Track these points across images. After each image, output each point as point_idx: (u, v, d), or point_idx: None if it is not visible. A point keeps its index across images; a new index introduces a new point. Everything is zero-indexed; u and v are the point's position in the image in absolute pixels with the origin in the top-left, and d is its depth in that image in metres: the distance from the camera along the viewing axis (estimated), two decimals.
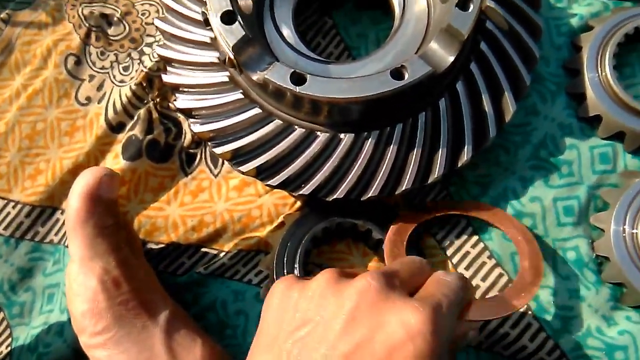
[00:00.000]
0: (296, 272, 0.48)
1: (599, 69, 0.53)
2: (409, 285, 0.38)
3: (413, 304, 0.34)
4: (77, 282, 0.43)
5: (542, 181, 0.52)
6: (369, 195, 0.47)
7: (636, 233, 0.49)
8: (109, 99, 0.59)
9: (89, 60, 0.61)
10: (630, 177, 0.51)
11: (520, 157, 0.53)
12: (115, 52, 0.61)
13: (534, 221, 0.51)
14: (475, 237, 0.51)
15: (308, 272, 0.50)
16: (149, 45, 0.60)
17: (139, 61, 0.60)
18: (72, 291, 0.44)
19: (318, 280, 0.37)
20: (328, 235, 0.51)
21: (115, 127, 0.57)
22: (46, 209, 0.56)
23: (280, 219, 0.52)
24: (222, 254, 0.53)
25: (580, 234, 0.50)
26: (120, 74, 0.60)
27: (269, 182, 0.48)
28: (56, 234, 0.56)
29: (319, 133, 0.47)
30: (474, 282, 0.50)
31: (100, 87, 0.60)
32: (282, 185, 0.48)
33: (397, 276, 0.37)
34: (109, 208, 0.45)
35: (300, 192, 0.48)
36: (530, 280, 0.46)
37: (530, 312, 0.48)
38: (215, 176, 0.55)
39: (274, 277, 0.48)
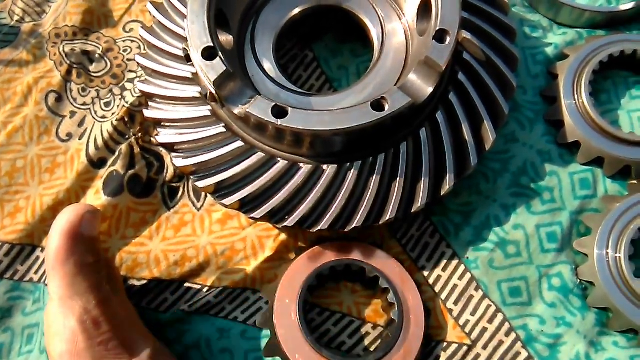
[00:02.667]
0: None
1: (576, 95, 0.55)
2: None
3: None
4: (56, 322, 0.42)
5: (525, 208, 0.52)
6: (353, 225, 0.47)
7: (619, 257, 0.49)
8: (90, 134, 0.58)
9: (70, 97, 0.61)
10: (611, 202, 0.51)
11: (500, 184, 0.53)
12: (97, 88, 0.61)
13: (518, 249, 0.51)
14: (462, 268, 0.51)
15: (310, 320, 0.50)
16: (131, 80, 0.60)
17: (120, 97, 0.60)
18: (50, 331, 0.42)
19: None
20: (323, 281, 0.50)
21: (97, 163, 0.57)
22: (26, 247, 0.55)
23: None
24: (206, 290, 0.52)
25: (564, 260, 0.51)
26: (102, 109, 0.60)
27: (252, 215, 0.48)
28: (36, 272, 0.54)
29: (301, 165, 0.47)
30: (463, 318, 0.49)
31: (81, 123, 0.60)
32: (265, 218, 0.48)
33: None
34: (90, 246, 0.44)
35: (285, 224, 0.47)
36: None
37: (519, 342, 0.48)
38: (198, 210, 0.55)
39: (275, 332, 0.48)
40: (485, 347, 0.48)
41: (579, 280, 0.50)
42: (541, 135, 0.55)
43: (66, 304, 0.42)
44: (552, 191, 0.53)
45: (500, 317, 0.49)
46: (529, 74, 0.57)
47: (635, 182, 0.53)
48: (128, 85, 0.60)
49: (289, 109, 0.44)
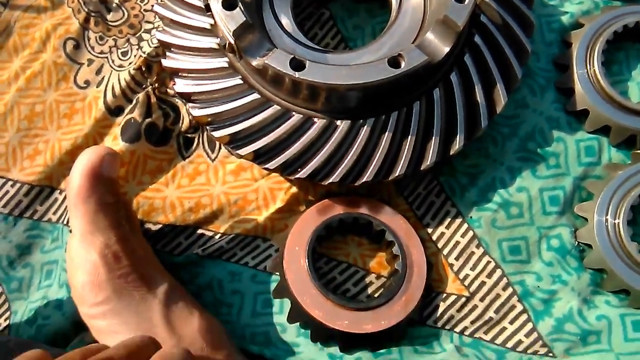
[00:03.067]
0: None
1: (588, 65, 0.55)
2: None
3: None
4: (78, 255, 0.44)
5: (530, 172, 0.54)
6: (364, 180, 0.49)
7: (618, 223, 0.51)
8: (107, 83, 0.59)
9: (87, 45, 0.61)
10: (614, 170, 0.53)
11: (508, 148, 0.54)
12: (114, 37, 0.62)
13: (520, 210, 0.53)
14: (465, 226, 0.53)
15: (317, 268, 0.52)
16: (148, 31, 0.61)
17: (137, 47, 0.61)
18: (73, 264, 0.45)
19: None
20: (331, 232, 0.52)
21: (114, 111, 0.58)
22: (44, 188, 0.57)
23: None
24: (218, 236, 0.54)
25: (564, 223, 0.52)
26: (119, 58, 0.61)
27: (266, 166, 0.49)
28: (54, 213, 0.57)
29: (316, 119, 0.48)
30: (463, 272, 0.51)
31: (99, 71, 0.60)
32: (279, 169, 0.49)
33: None
34: (110, 186, 0.46)
35: (297, 176, 0.49)
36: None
37: (515, 296, 0.50)
38: (213, 160, 0.56)
39: (284, 275, 0.50)
40: (482, 300, 0.51)
41: (577, 243, 0.52)
42: (551, 102, 0.56)
43: (87, 239, 0.44)
44: (557, 157, 0.54)
45: (498, 272, 0.51)
46: (543, 41, 0.58)
47: (639, 151, 0.54)
48: (145, 36, 0.61)
49: (307, 62, 0.45)
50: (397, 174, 0.49)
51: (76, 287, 0.44)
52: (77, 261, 0.44)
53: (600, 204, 0.52)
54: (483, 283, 0.51)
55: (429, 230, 0.53)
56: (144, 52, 0.59)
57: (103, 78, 0.60)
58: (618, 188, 0.52)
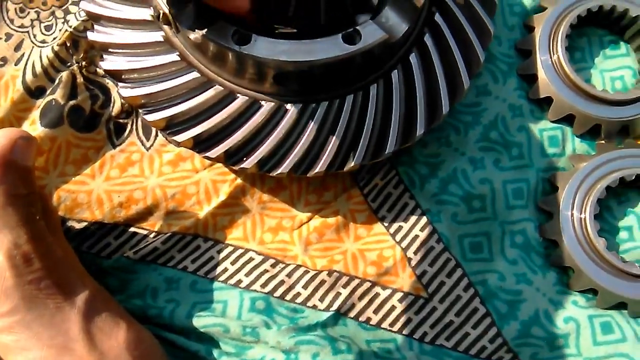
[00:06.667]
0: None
1: (552, 50, 0.53)
2: None
3: None
4: None
5: (492, 163, 0.51)
6: (316, 171, 0.44)
7: (584, 218, 0.48)
8: (27, 60, 0.53)
9: (5, 17, 0.54)
10: (578, 161, 0.50)
11: (470, 137, 0.51)
12: (37, 9, 0.55)
13: (483, 203, 0.49)
14: (424, 219, 0.49)
15: None
16: (76, 3, 0.54)
17: (63, 20, 0.54)
18: None
19: None
20: None
21: (34, 92, 0.51)
22: None
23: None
24: (153, 236, 0.48)
25: (528, 217, 0.49)
26: (42, 33, 0.54)
27: (207, 154, 0.44)
28: None
29: (263, 102, 0.44)
30: (421, 267, 0.48)
31: (18, 48, 0.53)
32: (221, 158, 0.44)
33: None
34: (23, 175, 0.40)
35: (242, 166, 0.44)
36: None
37: (477, 298, 0.47)
38: (147, 149, 0.50)
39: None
40: (441, 301, 0.47)
41: (542, 239, 0.49)
42: (513, 89, 0.53)
43: None
44: (520, 147, 0.51)
45: (459, 271, 0.48)
46: (505, 24, 0.55)
47: (603, 141, 0.52)
48: (72, 8, 0.54)
49: (253, 35, 0.40)
50: (352, 164, 0.44)
51: None
52: None
53: (565, 197, 0.49)
54: (442, 283, 0.47)
55: (385, 224, 0.49)
56: (71, 26, 0.52)
57: (22, 55, 0.53)
58: (583, 181, 0.49)
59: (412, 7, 0.42)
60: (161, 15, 0.42)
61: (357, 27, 0.41)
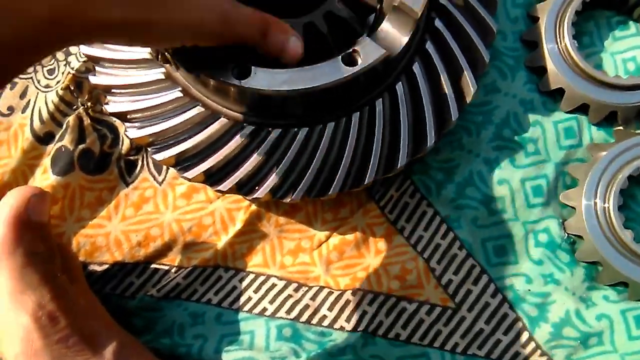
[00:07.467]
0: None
1: (558, 39, 0.51)
2: None
3: None
4: (7, 321, 0.38)
5: (508, 162, 0.50)
6: (330, 192, 0.44)
7: (608, 207, 0.47)
8: (34, 107, 0.53)
9: None
10: (597, 150, 0.49)
11: (483, 137, 0.50)
12: None
13: (502, 205, 0.49)
14: (444, 226, 0.48)
15: None
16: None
17: (65, 62, 0.54)
18: (1, 331, 0.38)
19: None
20: None
21: (43, 138, 0.52)
22: None
23: None
24: (174, 271, 0.48)
25: (550, 215, 0.48)
26: (45, 77, 0.54)
27: (218, 188, 0.44)
28: None
29: (270, 129, 0.43)
30: (446, 277, 0.47)
31: (23, 95, 0.54)
32: (233, 190, 0.44)
33: None
34: (40, 232, 0.40)
35: (255, 196, 0.44)
36: None
37: (506, 303, 0.46)
38: (160, 184, 0.50)
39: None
40: (470, 310, 0.46)
41: (566, 235, 0.48)
42: (523, 84, 0.51)
43: (17, 299, 0.38)
44: (535, 142, 0.50)
45: (485, 278, 0.47)
46: (508, 17, 0.53)
47: (621, 128, 0.50)
48: (73, 49, 0.54)
49: (252, 67, 0.39)
50: (366, 181, 0.44)
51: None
52: (6, 328, 0.38)
53: (586, 189, 0.48)
54: (469, 291, 0.47)
55: (405, 235, 0.48)
56: (73, 68, 0.52)
57: (29, 102, 0.53)
58: (604, 170, 0.48)
59: (410, 18, 0.41)
60: (160, 54, 0.42)
61: (356, 47, 0.40)
